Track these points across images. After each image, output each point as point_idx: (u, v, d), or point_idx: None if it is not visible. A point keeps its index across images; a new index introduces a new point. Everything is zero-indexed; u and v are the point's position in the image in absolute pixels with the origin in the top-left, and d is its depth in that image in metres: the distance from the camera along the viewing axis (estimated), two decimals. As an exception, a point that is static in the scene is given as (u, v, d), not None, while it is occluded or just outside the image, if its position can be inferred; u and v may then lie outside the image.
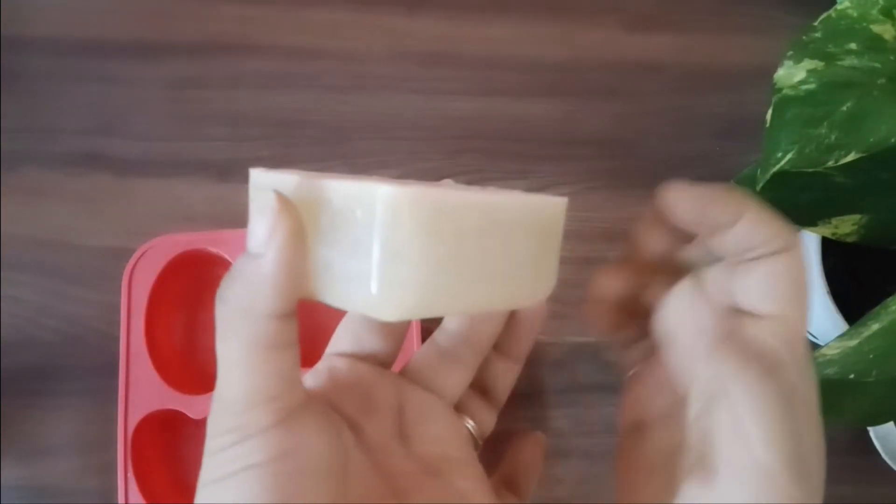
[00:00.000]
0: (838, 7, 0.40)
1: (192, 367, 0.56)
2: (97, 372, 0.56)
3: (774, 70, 0.41)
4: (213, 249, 0.54)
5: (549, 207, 0.27)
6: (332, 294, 0.24)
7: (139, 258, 0.53)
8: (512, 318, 0.32)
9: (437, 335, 0.32)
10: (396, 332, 0.31)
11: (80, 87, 0.63)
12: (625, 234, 0.30)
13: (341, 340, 0.30)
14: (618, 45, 0.65)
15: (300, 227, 0.23)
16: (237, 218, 0.59)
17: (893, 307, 0.39)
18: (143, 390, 0.51)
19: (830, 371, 0.39)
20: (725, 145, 0.63)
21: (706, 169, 0.62)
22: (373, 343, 0.30)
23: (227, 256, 0.54)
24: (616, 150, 0.63)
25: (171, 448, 0.54)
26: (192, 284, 0.57)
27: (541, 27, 0.66)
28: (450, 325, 0.31)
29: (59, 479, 0.55)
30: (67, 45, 0.63)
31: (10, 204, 0.60)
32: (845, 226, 0.45)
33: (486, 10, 0.66)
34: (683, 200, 0.26)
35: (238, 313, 0.23)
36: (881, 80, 0.38)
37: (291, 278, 0.23)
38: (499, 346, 0.33)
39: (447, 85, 0.64)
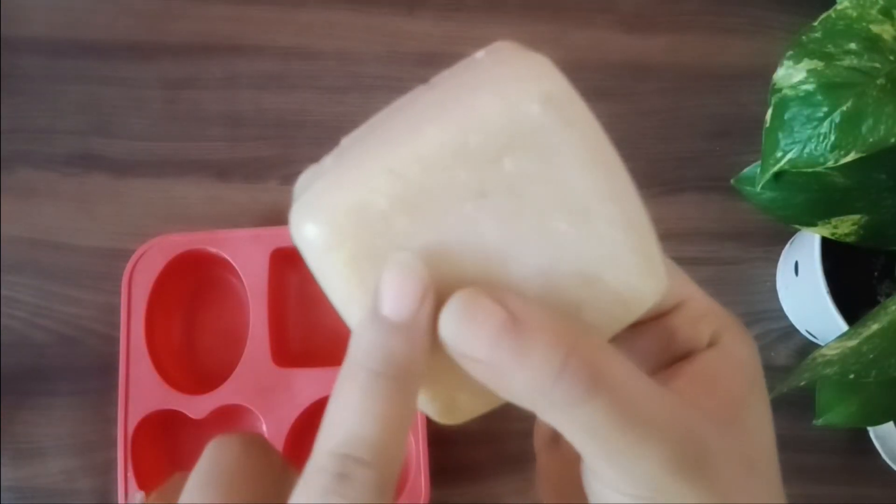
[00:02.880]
0: (837, 7, 0.40)
1: (191, 367, 0.56)
2: (93, 372, 0.56)
3: (768, 70, 0.41)
4: (213, 249, 0.54)
5: None
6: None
7: (139, 258, 0.53)
8: None
9: None
10: None
11: (76, 87, 0.62)
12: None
13: None
14: (611, 46, 0.65)
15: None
16: (235, 218, 0.59)
17: (892, 308, 0.39)
18: (143, 390, 0.51)
19: (830, 371, 0.39)
20: (719, 145, 0.63)
21: (700, 170, 0.62)
22: None
23: (226, 256, 0.54)
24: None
25: (171, 448, 0.54)
26: (191, 285, 0.57)
27: (535, 27, 0.65)
28: None
29: (56, 479, 0.55)
30: (63, 46, 0.63)
31: (7, 204, 0.59)
32: (845, 226, 0.45)
33: (481, 10, 0.65)
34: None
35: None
36: (880, 80, 0.38)
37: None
38: None
39: (445, 85, 0.63)
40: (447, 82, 0.20)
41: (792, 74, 0.39)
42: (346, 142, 0.21)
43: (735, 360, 0.23)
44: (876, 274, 0.53)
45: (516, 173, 0.18)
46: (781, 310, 0.59)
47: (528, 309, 0.19)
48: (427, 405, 0.21)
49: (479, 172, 0.18)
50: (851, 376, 0.38)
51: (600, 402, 0.18)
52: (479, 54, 0.20)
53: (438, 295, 0.19)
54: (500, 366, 0.19)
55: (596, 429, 0.19)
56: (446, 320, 0.19)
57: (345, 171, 0.19)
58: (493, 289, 0.19)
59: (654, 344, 0.24)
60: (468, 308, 0.19)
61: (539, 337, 0.18)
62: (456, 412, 0.21)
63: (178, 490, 0.22)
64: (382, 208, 0.18)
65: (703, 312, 0.24)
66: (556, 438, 0.25)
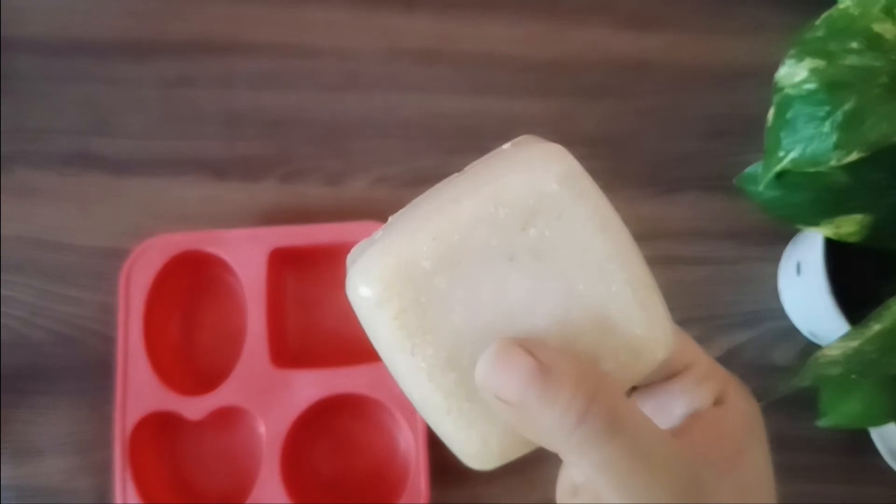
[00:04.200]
0: (839, 6, 0.39)
1: (188, 368, 0.55)
2: (91, 372, 0.55)
3: (768, 69, 0.40)
4: (210, 249, 0.54)
5: None
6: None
7: (136, 258, 0.53)
8: None
9: None
10: None
11: (73, 86, 0.62)
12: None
13: None
14: (610, 44, 0.65)
15: None
16: (233, 217, 0.59)
17: (895, 308, 0.38)
18: (141, 391, 0.51)
19: (832, 371, 0.39)
20: (718, 144, 0.63)
21: (699, 169, 0.62)
22: None
23: (224, 256, 0.54)
24: (609, 150, 0.62)
25: (168, 449, 0.54)
26: (189, 285, 0.57)
27: (534, 26, 0.65)
28: None
29: (54, 479, 0.54)
30: (60, 46, 0.63)
31: (5, 204, 0.59)
32: (848, 225, 0.45)
33: (480, 8, 0.65)
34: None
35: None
36: (882, 79, 0.38)
37: None
38: None
39: (442, 83, 0.63)
40: (479, 168, 0.24)
41: (794, 73, 0.39)
42: (392, 218, 0.24)
43: (738, 415, 0.26)
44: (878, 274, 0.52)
45: (539, 239, 0.22)
46: (783, 309, 0.59)
47: (555, 358, 0.21)
48: (460, 449, 0.23)
49: (507, 239, 0.22)
50: (853, 377, 0.38)
51: (618, 445, 0.21)
52: (506, 146, 0.25)
53: (473, 343, 0.22)
54: (529, 408, 0.21)
55: (612, 467, 0.21)
56: (483, 367, 0.22)
57: (393, 239, 0.22)
58: (522, 339, 0.22)
59: (667, 402, 0.26)
60: (503, 356, 0.22)
61: (565, 383, 0.21)
62: (488, 457, 0.23)
63: None
64: (426, 269, 0.21)
65: (708, 374, 0.26)
66: (577, 491, 0.27)
